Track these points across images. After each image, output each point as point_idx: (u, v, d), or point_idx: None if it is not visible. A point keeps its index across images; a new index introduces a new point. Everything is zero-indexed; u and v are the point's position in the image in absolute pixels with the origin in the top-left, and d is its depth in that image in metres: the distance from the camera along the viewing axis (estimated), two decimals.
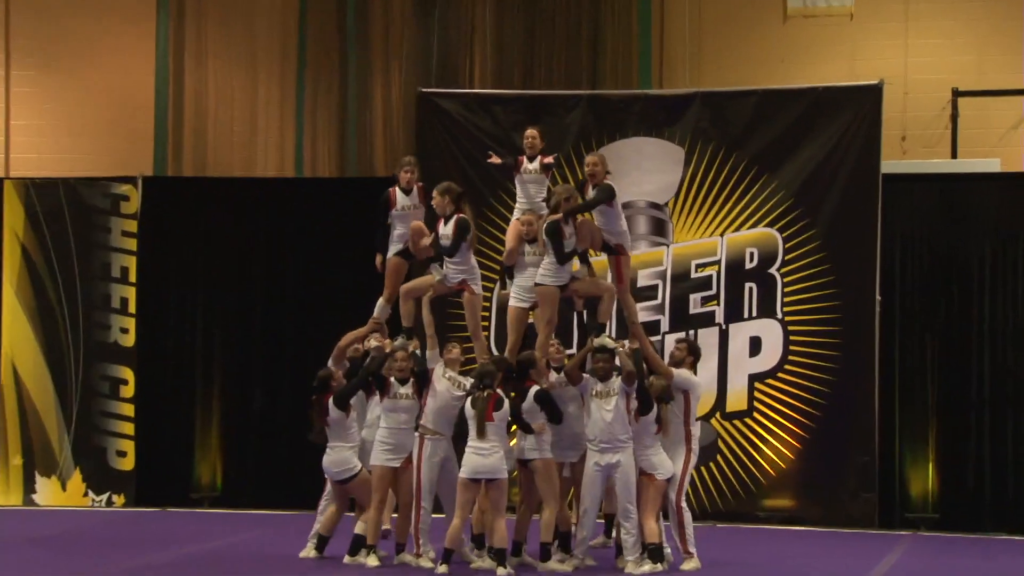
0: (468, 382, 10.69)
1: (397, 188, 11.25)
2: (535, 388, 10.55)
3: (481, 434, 10.21)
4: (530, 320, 11.04)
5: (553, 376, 10.76)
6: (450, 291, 11.11)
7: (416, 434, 10.78)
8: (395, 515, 11.01)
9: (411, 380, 10.76)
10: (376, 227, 11.36)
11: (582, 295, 11.02)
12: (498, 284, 11.88)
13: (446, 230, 10.87)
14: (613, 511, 10.81)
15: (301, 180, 15.74)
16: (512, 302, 10.93)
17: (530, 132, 11.12)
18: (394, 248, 11.25)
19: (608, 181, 10.74)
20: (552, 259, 10.62)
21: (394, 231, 11.23)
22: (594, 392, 10.44)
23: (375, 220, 11.36)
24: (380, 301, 11.31)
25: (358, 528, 10.91)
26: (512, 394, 10.42)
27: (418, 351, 10.94)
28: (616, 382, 10.43)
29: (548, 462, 10.49)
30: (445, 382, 10.80)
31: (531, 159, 11.07)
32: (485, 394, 10.25)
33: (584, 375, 10.67)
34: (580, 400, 10.67)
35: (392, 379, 10.71)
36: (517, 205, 11.19)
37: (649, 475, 10.44)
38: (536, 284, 10.70)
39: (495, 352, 12.60)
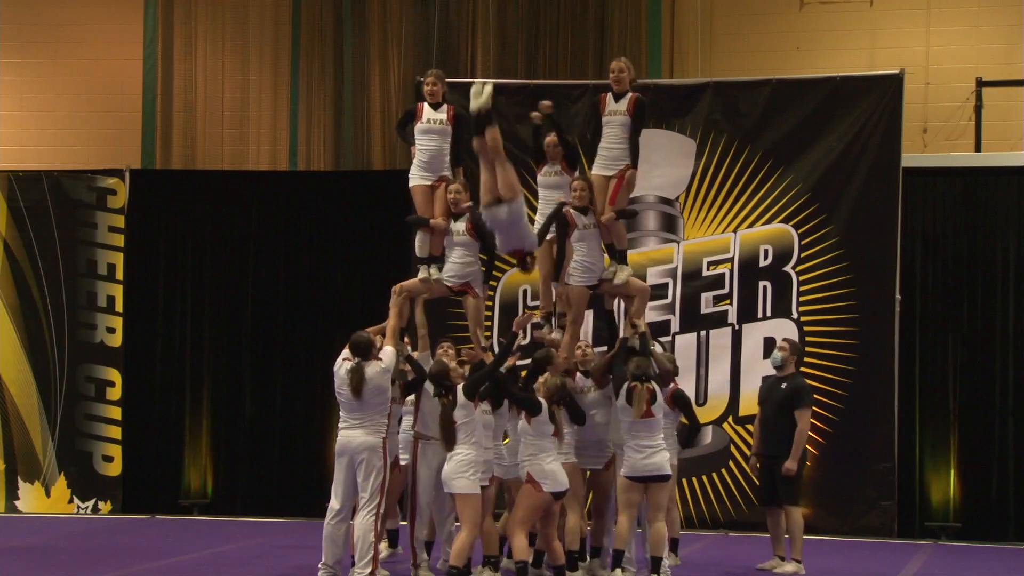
0: None
1: (424, 103, 10.59)
2: None
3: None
4: (535, 319, 10.81)
5: (580, 379, 10.50)
6: (450, 292, 10.74)
7: (411, 439, 10.55)
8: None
9: (396, 383, 10.37)
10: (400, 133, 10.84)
11: (613, 295, 10.88)
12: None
13: (458, 225, 10.47)
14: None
15: (295, 173, 15.63)
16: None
17: (550, 140, 10.61)
18: (417, 173, 10.59)
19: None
20: (583, 257, 10.40)
21: (417, 152, 10.56)
22: None
23: (401, 131, 10.74)
24: (418, 238, 10.61)
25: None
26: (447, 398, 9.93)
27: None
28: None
29: (573, 467, 10.15)
30: None
31: (552, 163, 10.73)
32: (449, 399, 9.86)
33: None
34: (608, 405, 10.33)
35: None
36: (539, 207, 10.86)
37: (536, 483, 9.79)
38: (564, 283, 10.54)
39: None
